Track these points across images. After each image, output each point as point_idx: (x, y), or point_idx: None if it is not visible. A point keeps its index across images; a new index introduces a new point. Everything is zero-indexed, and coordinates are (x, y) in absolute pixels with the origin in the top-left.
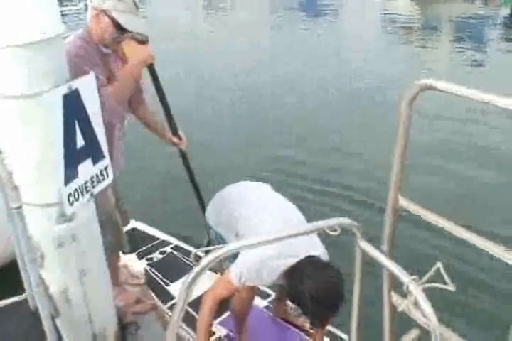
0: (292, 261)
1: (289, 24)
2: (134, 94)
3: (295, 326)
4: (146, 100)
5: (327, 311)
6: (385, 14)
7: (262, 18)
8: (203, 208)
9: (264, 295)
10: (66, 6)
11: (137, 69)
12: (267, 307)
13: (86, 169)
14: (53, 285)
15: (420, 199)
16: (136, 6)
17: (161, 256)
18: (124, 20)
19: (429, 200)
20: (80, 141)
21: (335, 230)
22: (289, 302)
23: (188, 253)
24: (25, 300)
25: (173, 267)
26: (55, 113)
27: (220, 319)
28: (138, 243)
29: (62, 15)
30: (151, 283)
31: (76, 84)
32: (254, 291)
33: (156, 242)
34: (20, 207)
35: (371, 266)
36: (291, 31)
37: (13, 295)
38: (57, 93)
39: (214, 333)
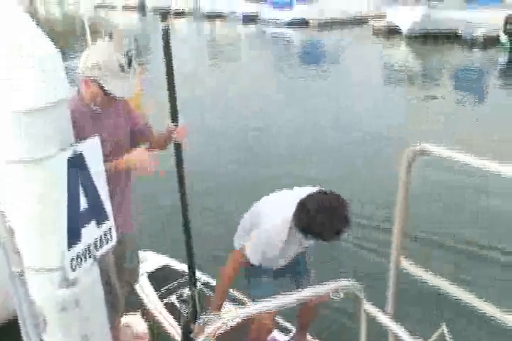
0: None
1: (292, 73)
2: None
3: None
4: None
5: (332, 225)
6: (384, 63)
7: (266, 68)
8: (185, 209)
9: (286, 331)
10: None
11: (123, 167)
12: None
13: (89, 232)
14: None
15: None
16: (122, 69)
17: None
18: (111, 87)
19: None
20: (84, 204)
21: (338, 295)
22: (308, 337)
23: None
24: None
25: (201, 302)
26: (59, 177)
27: None
28: (168, 279)
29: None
30: (179, 317)
31: (81, 147)
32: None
33: (186, 278)
34: (22, 272)
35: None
36: (293, 80)
37: None
38: (62, 157)
39: None
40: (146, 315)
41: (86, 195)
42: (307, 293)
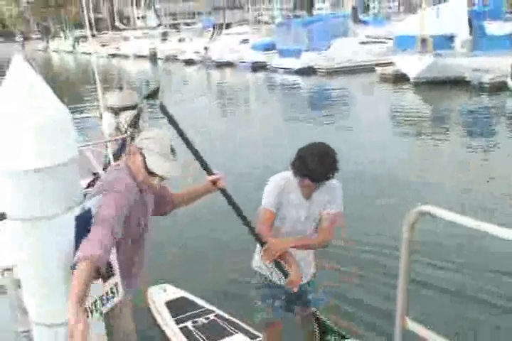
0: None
1: (299, 118)
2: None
3: None
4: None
5: (323, 170)
6: (392, 109)
7: (274, 113)
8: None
9: None
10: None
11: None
12: None
13: (96, 287)
14: None
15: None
16: (173, 151)
17: (205, 321)
18: (152, 162)
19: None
20: None
21: None
22: None
23: (228, 320)
24: None
25: (214, 330)
26: (67, 233)
27: None
28: (184, 308)
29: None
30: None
31: (89, 204)
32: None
33: (201, 309)
34: (27, 331)
35: None
36: (301, 125)
37: None
38: (69, 215)
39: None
40: (163, 338)
41: None
42: None
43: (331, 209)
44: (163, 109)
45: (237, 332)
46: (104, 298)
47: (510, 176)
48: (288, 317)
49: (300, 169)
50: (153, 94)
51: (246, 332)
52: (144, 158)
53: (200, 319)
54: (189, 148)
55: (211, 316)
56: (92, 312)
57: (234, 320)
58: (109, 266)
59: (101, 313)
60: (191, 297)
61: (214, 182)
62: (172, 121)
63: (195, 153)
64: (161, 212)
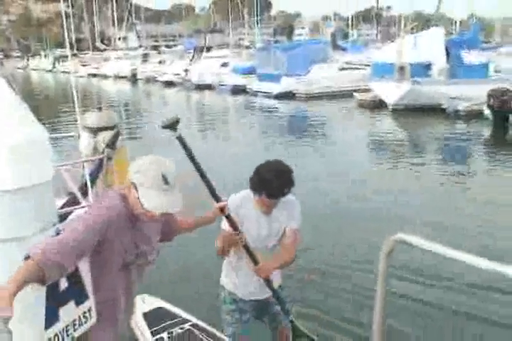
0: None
1: (276, 141)
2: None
3: None
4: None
5: (278, 182)
6: (369, 134)
7: (251, 136)
8: None
9: None
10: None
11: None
12: None
13: (68, 312)
14: None
15: None
16: (167, 182)
17: (180, 331)
18: (142, 197)
19: None
20: (64, 283)
21: None
22: None
23: (204, 330)
24: None
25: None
26: None
27: None
28: (162, 319)
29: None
30: None
31: (62, 226)
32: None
33: (177, 319)
34: None
35: None
36: (276, 146)
37: None
38: (43, 237)
39: None
40: None
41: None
42: None
43: (293, 226)
44: (181, 141)
45: None
46: (77, 322)
47: (483, 199)
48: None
49: (257, 184)
50: (171, 125)
51: None
52: (137, 191)
53: (175, 329)
54: (201, 176)
55: (186, 326)
56: (63, 337)
57: (210, 329)
58: (83, 289)
59: (72, 338)
60: (168, 306)
61: (222, 209)
62: (189, 154)
63: (207, 182)
64: (166, 239)
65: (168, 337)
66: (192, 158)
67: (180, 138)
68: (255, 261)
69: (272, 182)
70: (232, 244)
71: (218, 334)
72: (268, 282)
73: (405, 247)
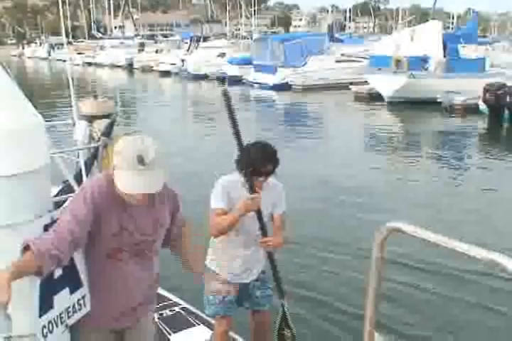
0: None
1: (272, 133)
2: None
3: None
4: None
5: (264, 158)
6: (365, 127)
7: (246, 128)
8: None
9: None
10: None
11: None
12: None
13: (62, 299)
14: None
15: None
16: (143, 163)
17: (170, 313)
18: (118, 180)
19: None
20: (58, 270)
21: None
22: None
23: (193, 313)
24: None
25: (177, 322)
26: None
27: None
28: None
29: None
30: (157, 332)
31: (57, 214)
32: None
33: (168, 302)
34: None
35: None
36: (272, 140)
37: None
38: (38, 223)
39: None
40: None
41: None
42: None
43: (279, 212)
44: (226, 94)
45: (199, 324)
46: (71, 310)
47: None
48: (240, 311)
49: (244, 162)
50: (223, 81)
51: (208, 325)
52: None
53: (166, 311)
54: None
55: (177, 309)
56: (57, 324)
57: (199, 313)
58: (78, 276)
59: (66, 326)
60: (160, 290)
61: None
62: (229, 108)
63: (236, 133)
64: (167, 239)
65: (158, 318)
66: (230, 109)
67: (225, 92)
68: (264, 231)
69: (258, 155)
70: (250, 209)
71: (205, 317)
72: (271, 256)
73: (399, 236)
